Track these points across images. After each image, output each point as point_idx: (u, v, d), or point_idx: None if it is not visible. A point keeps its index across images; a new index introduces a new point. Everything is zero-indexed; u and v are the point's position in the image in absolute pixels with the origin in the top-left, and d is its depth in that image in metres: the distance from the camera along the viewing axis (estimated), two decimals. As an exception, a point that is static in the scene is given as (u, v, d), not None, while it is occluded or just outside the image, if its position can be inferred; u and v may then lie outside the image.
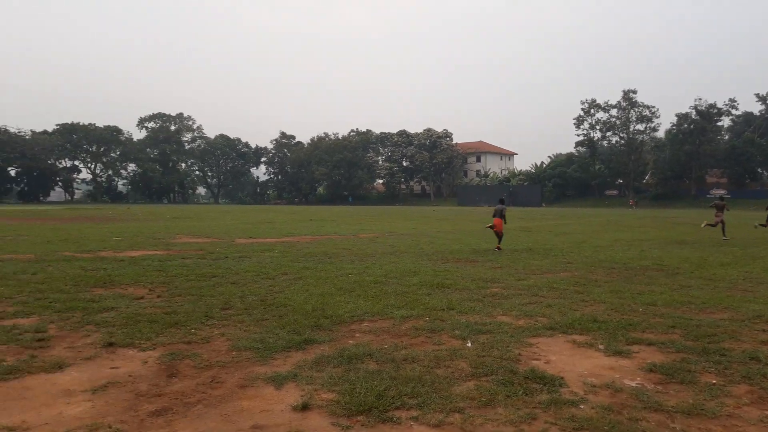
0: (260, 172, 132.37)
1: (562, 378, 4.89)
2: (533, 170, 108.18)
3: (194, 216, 41.99)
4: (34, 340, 5.98)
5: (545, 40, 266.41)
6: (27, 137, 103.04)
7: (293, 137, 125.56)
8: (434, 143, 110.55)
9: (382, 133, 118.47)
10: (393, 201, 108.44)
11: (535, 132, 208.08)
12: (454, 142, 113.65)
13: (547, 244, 18.37)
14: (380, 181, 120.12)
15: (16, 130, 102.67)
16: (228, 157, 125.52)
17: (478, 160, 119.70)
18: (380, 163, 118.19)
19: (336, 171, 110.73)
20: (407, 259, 13.62)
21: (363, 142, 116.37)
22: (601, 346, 5.89)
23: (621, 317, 7.22)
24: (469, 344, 5.91)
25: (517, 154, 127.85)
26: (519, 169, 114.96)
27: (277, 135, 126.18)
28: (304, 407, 4.17)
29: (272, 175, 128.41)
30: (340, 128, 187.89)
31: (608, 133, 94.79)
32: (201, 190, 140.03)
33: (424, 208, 78.67)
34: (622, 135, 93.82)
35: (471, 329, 6.51)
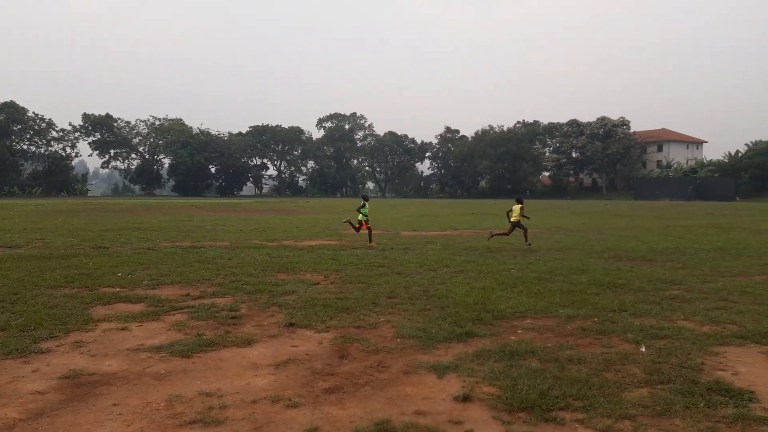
0: (424, 167, 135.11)
1: (752, 392, 4.37)
2: (726, 160, 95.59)
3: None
4: (228, 317, 6.86)
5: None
6: (225, 138, 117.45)
7: (458, 131, 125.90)
8: (609, 132, 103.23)
9: (550, 123, 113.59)
10: (560, 195, 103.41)
11: (730, 116, 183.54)
12: (631, 130, 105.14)
13: (740, 243, 16.23)
14: (546, 173, 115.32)
15: (216, 133, 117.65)
16: (395, 153, 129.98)
17: (660, 149, 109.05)
18: (547, 154, 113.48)
19: (499, 164, 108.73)
20: (574, 256, 13.00)
21: (529, 133, 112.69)
22: (807, 362, 5.12)
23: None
24: (644, 349, 5.51)
25: (706, 142, 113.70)
26: (708, 159, 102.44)
27: (442, 130, 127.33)
28: (465, 398, 4.25)
29: (436, 170, 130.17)
30: (506, 120, 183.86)
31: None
32: (370, 185, 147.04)
33: (595, 202, 73.89)
34: None
35: (646, 333, 6.06)
